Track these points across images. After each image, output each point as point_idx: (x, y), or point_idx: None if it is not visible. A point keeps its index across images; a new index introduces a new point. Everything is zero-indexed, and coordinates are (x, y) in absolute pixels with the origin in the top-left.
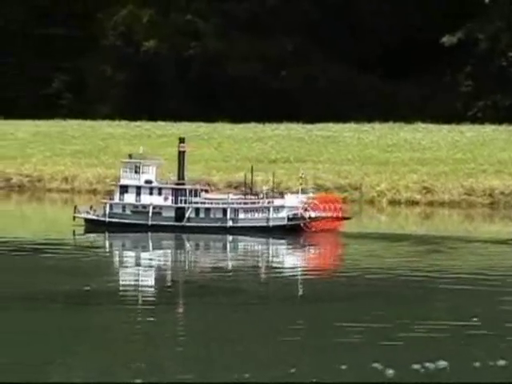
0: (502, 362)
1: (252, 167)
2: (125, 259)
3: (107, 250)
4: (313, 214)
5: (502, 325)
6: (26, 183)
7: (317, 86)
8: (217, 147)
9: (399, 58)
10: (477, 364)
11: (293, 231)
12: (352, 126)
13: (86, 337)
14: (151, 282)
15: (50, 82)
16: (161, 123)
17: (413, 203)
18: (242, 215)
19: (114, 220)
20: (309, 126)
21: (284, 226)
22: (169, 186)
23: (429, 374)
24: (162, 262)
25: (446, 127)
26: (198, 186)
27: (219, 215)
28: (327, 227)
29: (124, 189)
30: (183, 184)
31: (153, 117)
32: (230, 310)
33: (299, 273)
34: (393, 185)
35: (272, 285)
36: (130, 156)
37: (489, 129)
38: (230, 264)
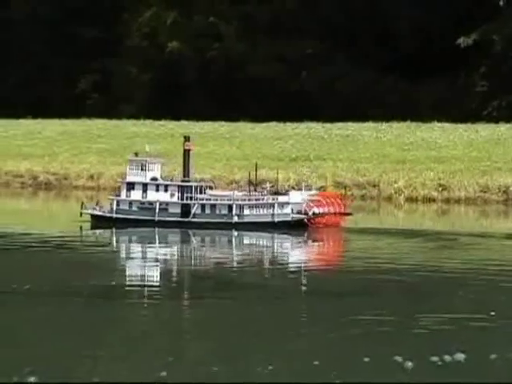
0: None
1: (256, 164)
2: (140, 254)
3: (121, 245)
4: (316, 210)
5: None
6: (53, 181)
7: (336, 88)
8: (238, 146)
9: (416, 59)
10: (493, 356)
11: (297, 227)
12: (370, 125)
13: (119, 329)
14: (171, 276)
15: (77, 81)
16: (184, 122)
17: (429, 200)
18: (247, 211)
19: (120, 216)
20: (328, 125)
21: (289, 221)
22: (175, 183)
23: (446, 365)
24: (176, 257)
25: (461, 126)
26: (203, 183)
27: (225, 211)
28: (330, 223)
29: (131, 186)
30: (189, 181)
31: (176, 116)
32: (249, 304)
33: (314, 266)
34: (410, 182)
35: (288, 279)
36: (136, 154)
37: (503, 128)
38: (245, 258)
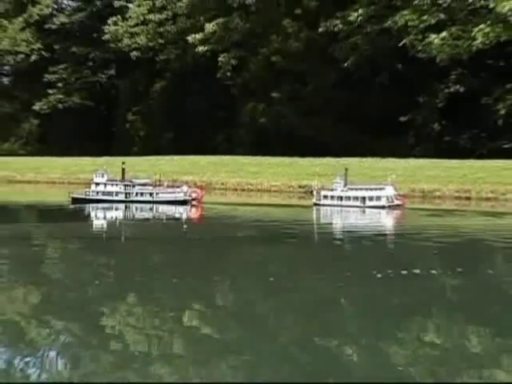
0: None
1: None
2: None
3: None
4: (194, 195)
5: None
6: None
7: None
8: None
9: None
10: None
11: (185, 203)
12: None
13: None
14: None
15: None
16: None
17: None
18: (162, 195)
19: (92, 197)
20: None
21: (183, 200)
22: (119, 181)
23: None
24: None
25: None
26: (134, 181)
27: (147, 196)
28: (199, 202)
29: (97, 183)
30: (130, 181)
31: None
32: None
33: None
34: None
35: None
36: (97, 171)
37: None
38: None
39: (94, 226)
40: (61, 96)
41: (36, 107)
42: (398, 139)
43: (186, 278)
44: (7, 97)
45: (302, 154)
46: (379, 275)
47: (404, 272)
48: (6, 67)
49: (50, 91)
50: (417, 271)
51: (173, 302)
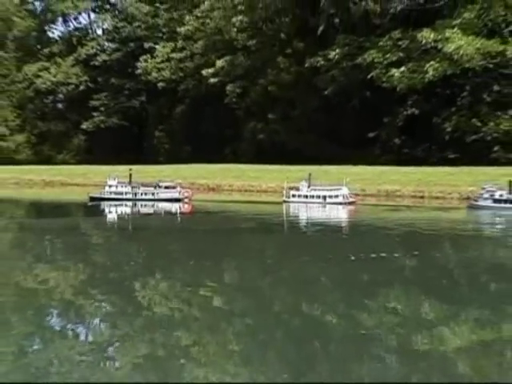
0: None
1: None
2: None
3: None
4: (186, 194)
5: None
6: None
7: None
8: None
9: None
10: (396, 254)
11: (178, 201)
12: None
13: None
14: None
15: None
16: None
17: None
18: (161, 195)
19: (106, 196)
20: None
21: (177, 198)
22: (128, 183)
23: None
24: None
25: None
26: (137, 184)
27: (149, 195)
28: (189, 199)
29: (110, 185)
30: (136, 184)
31: None
32: None
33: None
34: None
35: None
36: (109, 175)
37: None
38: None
39: (109, 220)
40: (103, 118)
41: (83, 126)
42: (367, 151)
43: (200, 260)
44: (62, 118)
45: (292, 163)
46: (353, 258)
47: (373, 255)
48: (61, 95)
49: (95, 114)
50: (383, 254)
51: (190, 279)
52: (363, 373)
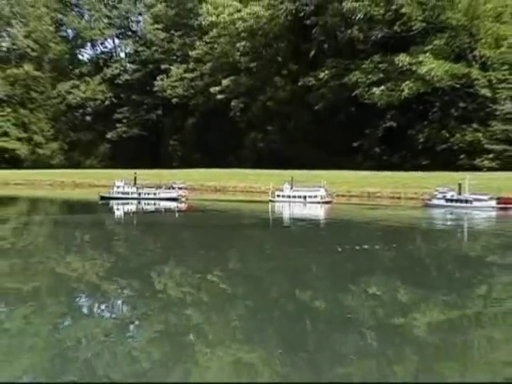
0: None
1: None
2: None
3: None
4: (183, 194)
5: None
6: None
7: None
8: None
9: None
10: (377, 247)
11: (176, 200)
12: None
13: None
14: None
15: None
16: None
17: None
18: (161, 194)
19: (114, 196)
20: None
21: (174, 197)
22: (132, 185)
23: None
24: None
25: None
26: (141, 185)
27: (152, 194)
28: (187, 199)
29: (118, 186)
30: (140, 185)
31: None
32: None
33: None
34: None
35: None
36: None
37: None
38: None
39: (117, 216)
40: (125, 128)
41: (108, 136)
42: (351, 158)
43: (208, 251)
44: (89, 129)
45: (287, 168)
46: (340, 249)
47: (357, 247)
48: (89, 109)
49: (118, 125)
50: (366, 246)
51: (200, 266)
52: (348, 346)
